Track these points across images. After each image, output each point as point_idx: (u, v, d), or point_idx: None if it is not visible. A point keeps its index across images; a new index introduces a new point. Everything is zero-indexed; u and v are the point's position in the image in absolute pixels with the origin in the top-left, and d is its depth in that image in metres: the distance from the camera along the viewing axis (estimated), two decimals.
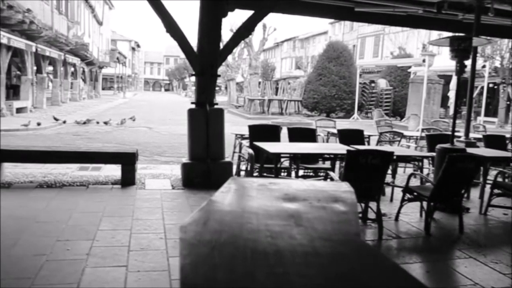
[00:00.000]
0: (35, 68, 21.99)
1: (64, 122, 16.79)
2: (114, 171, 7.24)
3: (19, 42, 17.78)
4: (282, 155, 5.53)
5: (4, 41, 16.07)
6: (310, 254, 1.09)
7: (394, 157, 4.97)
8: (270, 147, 5.41)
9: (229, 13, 6.80)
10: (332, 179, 5.77)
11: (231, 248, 1.05)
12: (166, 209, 5.31)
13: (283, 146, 5.94)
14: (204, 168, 6.42)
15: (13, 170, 7.02)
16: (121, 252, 3.93)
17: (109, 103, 34.96)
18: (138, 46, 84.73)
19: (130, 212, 5.14)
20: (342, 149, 5.84)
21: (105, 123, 17.13)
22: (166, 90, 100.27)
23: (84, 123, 16.94)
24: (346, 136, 7.29)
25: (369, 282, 0.98)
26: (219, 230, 1.16)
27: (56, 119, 16.60)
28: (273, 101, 27.58)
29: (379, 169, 4.70)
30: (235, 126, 15.26)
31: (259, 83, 30.17)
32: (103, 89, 54.21)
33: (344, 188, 1.77)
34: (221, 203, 1.41)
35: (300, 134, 6.93)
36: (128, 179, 6.38)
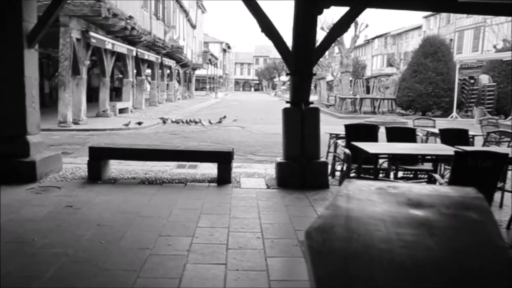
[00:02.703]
0: (135, 71, 23.33)
1: (164, 122, 17.62)
2: (210, 169, 7.43)
3: (121, 47, 18.97)
4: (380, 155, 5.29)
5: (109, 47, 17.22)
6: (454, 269, 0.97)
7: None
8: (368, 147, 5.21)
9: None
10: (435, 181, 5.43)
11: (366, 259, 0.96)
12: (262, 208, 5.31)
13: (382, 146, 5.69)
14: (299, 167, 6.34)
15: (118, 167, 7.45)
16: (220, 250, 3.97)
17: (202, 103, 36.22)
18: (229, 47, 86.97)
19: (227, 210, 5.21)
20: (446, 150, 5.48)
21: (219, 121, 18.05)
22: (256, 90, 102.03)
23: (219, 121, 17.91)
24: (449, 136, 6.84)
25: None
26: (348, 237, 1.07)
27: (163, 120, 17.64)
28: (365, 100, 26.86)
29: (491, 173, 4.32)
30: (327, 125, 15.04)
31: (351, 81, 29.53)
32: (196, 89, 56.33)
33: (472, 194, 1.59)
34: (342, 208, 1.32)
35: (399, 134, 6.62)
36: (224, 178, 6.50)
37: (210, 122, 17.55)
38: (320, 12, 6.54)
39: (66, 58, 14.32)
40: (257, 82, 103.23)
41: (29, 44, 6.55)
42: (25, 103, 6.55)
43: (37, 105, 6.89)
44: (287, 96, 52.35)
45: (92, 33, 15.37)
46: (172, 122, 17.68)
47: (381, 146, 5.61)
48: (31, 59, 6.67)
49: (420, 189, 1.73)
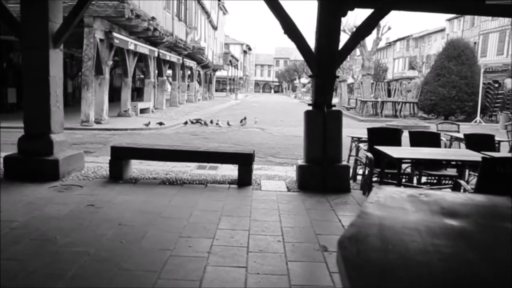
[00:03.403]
0: (156, 71, 23.52)
1: (185, 123, 17.73)
2: (230, 170, 7.41)
3: (144, 48, 19.13)
4: (404, 160, 5.19)
5: (132, 47, 17.39)
6: (499, 286, 0.92)
7: None
8: (392, 151, 5.13)
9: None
10: (460, 188, 5.32)
11: (404, 272, 0.92)
12: (283, 211, 5.26)
13: (406, 150, 5.59)
14: (320, 171, 6.27)
15: (139, 167, 7.49)
16: (240, 253, 3.94)
17: (222, 104, 36.32)
18: (250, 49, 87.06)
19: (247, 212, 5.18)
20: (472, 155, 5.36)
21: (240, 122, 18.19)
22: (276, 91, 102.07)
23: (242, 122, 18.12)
24: (474, 141, 6.70)
25: None
26: (383, 248, 1.03)
27: (196, 121, 17.82)
28: (386, 103, 26.57)
29: None
30: (347, 128, 14.87)
31: (372, 84, 29.24)
32: (216, 91, 56.51)
33: (509, 204, 1.53)
34: (374, 216, 1.27)
35: (423, 139, 6.51)
36: (244, 180, 6.47)
37: (228, 124, 17.52)
38: (344, 14, 6.47)
39: (89, 58, 14.50)
40: (277, 84, 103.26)
41: (55, 44, 6.63)
42: (49, 102, 6.62)
43: (61, 104, 6.96)
44: (308, 98, 51.94)
45: (115, 34, 15.55)
46: (193, 123, 17.77)
47: (404, 151, 5.51)
48: (56, 59, 6.75)
49: (453, 197, 1.68)
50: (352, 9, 6.48)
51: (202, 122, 17.67)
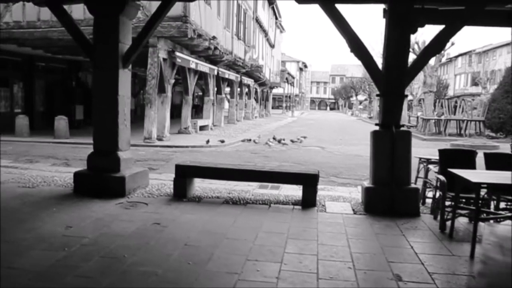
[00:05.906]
0: (215, 89, 23.89)
1: (245, 140, 17.86)
2: (293, 190, 7.27)
3: (204, 67, 19.52)
4: (483, 185, 4.84)
5: (193, 66, 17.78)
6: None
7: None
8: (469, 175, 4.80)
9: None
10: None
11: None
12: (351, 236, 5.05)
13: (484, 174, 5.23)
14: (388, 193, 6.01)
15: (201, 185, 7.51)
16: (310, 280, 3.79)
17: (279, 121, 36.35)
18: (305, 66, 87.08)
19: (314, 235, 5.02)
20: None
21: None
22: (332, 109, 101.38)
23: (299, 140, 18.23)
24: None
25: None
26: None
27: (277, 140, 17.98)
28: (450, 121, 25.51)
29: None
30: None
31: (434, 101, 28.20)
32: (272, 108, 56.76)
33: None
34: (502, 263, 1.11)
35: (499, 161, 6.07)
36: (309, 201, 6.31)
37: (280, 142, 17.37)
38: (414, 31, 6.24)
39: (153, 77, 14.94)
40: (333, 101, 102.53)
41: (124, 64, 6.83)
42: (117, 120, 6.81)
43: (128, 123, 7.14)
44: (365, 115, 50.63)
45: (177, 53, 15.96)
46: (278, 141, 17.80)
47: (483, 175, 5.15)
48: (124, 78, 6.95)
49: None
50: (422, 25, 6.25)
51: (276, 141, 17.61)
